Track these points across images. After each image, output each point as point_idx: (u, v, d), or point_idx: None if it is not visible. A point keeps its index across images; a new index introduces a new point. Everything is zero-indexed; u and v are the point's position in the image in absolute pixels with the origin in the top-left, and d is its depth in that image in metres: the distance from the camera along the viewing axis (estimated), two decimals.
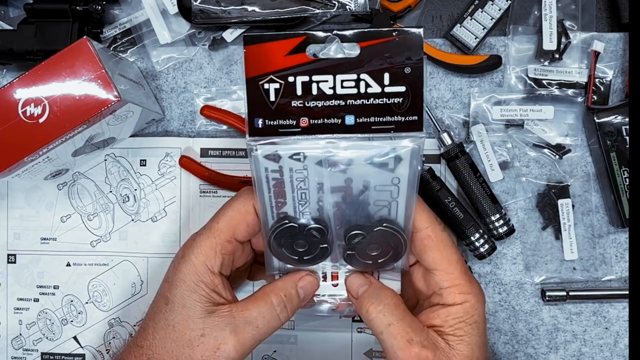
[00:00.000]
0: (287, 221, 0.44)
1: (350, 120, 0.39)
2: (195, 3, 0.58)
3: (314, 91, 0.39)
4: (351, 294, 0.47)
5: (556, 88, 0.58)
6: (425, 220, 0.44)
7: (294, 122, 0.40)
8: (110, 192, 0.61)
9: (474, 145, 0.59)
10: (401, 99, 0.39)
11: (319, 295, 0.49)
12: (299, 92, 0.39)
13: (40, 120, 0.49)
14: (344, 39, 0.39)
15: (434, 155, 0.59)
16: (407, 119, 0.39)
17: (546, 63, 0.58)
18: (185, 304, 0.44)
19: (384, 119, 0.39)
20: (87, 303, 0.61)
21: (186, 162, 0.60)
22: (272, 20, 0.58)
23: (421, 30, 0.39)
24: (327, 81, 0.39)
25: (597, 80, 0.58)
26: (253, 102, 0.39)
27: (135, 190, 0.61)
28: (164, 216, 0.61)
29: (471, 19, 0.59)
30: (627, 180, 0.56)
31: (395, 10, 0.59)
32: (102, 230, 0.61)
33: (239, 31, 0.60)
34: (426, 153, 0.59)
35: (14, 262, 0.62)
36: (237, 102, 0.60)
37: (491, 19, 0.59)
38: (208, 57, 0.61)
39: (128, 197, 0.61)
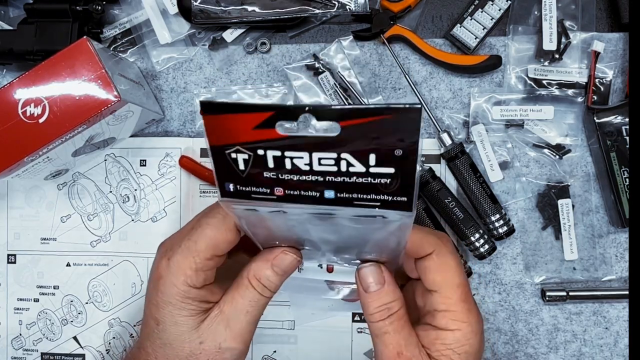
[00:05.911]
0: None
1: (330, 194, 0.34)
2: (195, 3, 0.58)
3: (288, 165, 0.34)
4: (362, 286, 0.45)
5: (556, 88, 0.58)
6: (428, 246, 0.43)
7: (268, 191, 0.35)
8: (110, 192, 0.61)
9: (474, 145, 0.59)
10: (389, 179, 0.33)
11: (316, 280, 0.48)
12: (270, 164, 0.34)
13: (40, 121, 0.49)
14: (320, 117, 0.32)
15: (434, 155, 0.59)
16: (395, 199, 0.34)
17: (546, 63, 0.58)
18: (176, 322, 0.44)
19: (369, 197, 0.34)
20: (87, 303, 0.61)
21: (186, 162, 0.60)
22: (272, 20, 0.58)
23: (420, 107, 0.31)
24: (302, 157, 0.34)
25: (597, 80, 0.58)
26: (221, 169, 0.35)
27: (135, 190, 0.61)
28: (164, 216, 0.61)
29: (471, 19, 0.59)
30: (627, 180, 0.56)
31: (395, 10, 0.59)
32: (102, 231, 0.61)
33: (239, 31, 0.60)
34: (426, 153, 0.59)
35: (14, 262, 0.62)
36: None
37: (491, 19, 0.59)
38: (208, 57, 0.61)
39: (128, 197, 0.61)
